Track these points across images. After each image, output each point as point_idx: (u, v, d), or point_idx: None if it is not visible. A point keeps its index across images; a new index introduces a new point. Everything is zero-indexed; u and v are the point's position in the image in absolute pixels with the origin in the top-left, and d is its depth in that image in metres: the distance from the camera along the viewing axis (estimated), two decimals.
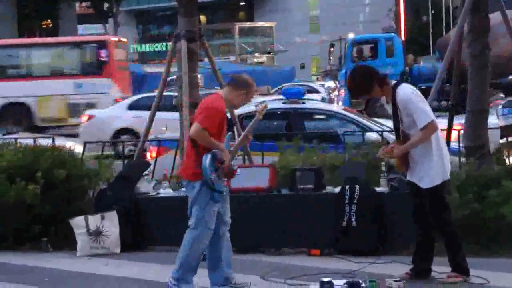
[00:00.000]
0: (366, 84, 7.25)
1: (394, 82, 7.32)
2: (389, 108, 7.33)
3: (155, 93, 22.04)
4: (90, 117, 20.60)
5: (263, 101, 7.43)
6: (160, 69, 27.80)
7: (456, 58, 9.95)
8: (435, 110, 7.64)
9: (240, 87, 7.12)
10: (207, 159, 6.89)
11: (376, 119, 13.39)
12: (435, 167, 7.15)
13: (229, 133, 7.25)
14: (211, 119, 6.90)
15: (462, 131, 9.93)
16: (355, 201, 8.56)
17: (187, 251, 7.02)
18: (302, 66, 56.89)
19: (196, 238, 7.00)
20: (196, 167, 6.94)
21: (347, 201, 8.58)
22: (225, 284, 7.22)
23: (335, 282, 7.24)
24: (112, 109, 21.41)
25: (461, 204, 8.33)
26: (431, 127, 7.10)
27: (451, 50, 10.06)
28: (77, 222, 9.04)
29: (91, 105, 24.16)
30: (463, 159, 9.57)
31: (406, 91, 7.18)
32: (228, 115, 10.83)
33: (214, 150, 6.93)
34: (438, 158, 7.17)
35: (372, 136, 11.02)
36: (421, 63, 34.72)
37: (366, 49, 33.61)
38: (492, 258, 8.18)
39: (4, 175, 9.30)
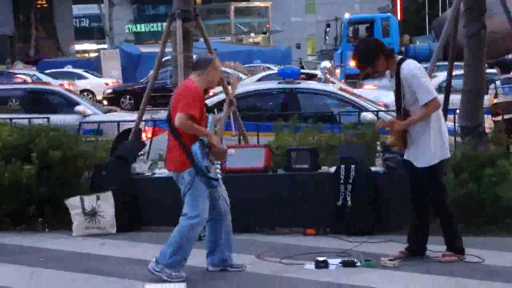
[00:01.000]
0: (371, 53, 7.18)
1: (400, 57, 7.28)
2: (392, 83, 7.30)
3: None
4: None
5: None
6: (156, 49, 27.68)
7: (452, 38, 9.94)
8: None
9: (202, 68, 7.03)
10: (196, 148, 6.82)
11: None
12: (432, 146, 7.14)
13: (210, 114, 7.18)
14: (193, 103, 6.83)
15: (457, 111, 9.94)
16: (350, 181, 8.56)
17: (182, 239, 6.96)
18: (298, 46, 56.78)
19: (192, 227, 6.97)
20: (183, 157, 6.88)
21: (342, 181, 8.58)
22: (221, 265, 7.26)
23: (330, 261, 7.29)
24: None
25: (456, 184, 8.35)
26: (433, 104, 7.07)
27: (446, 30, 10.05)
28: (73, 203, 9.05)
29: None
30: (458, 139, 9.58)
31: (411, 66, 7.14)
32: (223, 95, 10.84)
33: (200, 137, 6.86)
34: (437, 138, 7.15)
35: (368, 115, 11.03)
36: (417, 43, 34.72)
37: (362, 29, 33.59)
38: (487, 237, 8.21)
39: (0, 156, 9.28)
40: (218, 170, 7.07)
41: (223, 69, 13.69)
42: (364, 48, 7.29)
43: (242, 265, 7.33)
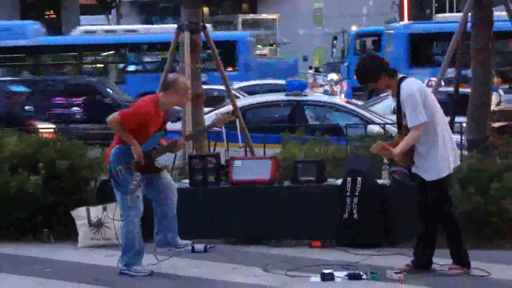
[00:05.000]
0: (374, 71, 7.19)
1: (400, 75, 7.28)
2: (394, 101, 7.32)
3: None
4: None
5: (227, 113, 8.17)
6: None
7: (459, 51, 9.96)
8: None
9: (166, 89, 7.58)
10: (115, 152, 7.42)
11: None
12: (440, 160, 7.13)
13: (161, 132, 7.66)
14: (132, 117, 7.38)
15: (464, 124, 9.93)
16: (356, 194, 8.55)
17: (124, 236, 7.61)
18: (305, 59, 56.74)
19: (126, 222, 7.57)
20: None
21: (348, 194, 8.57)
22: (165, 246, 7.90)
23: (336, 273, 7.28)
24: None
25: (463, 197, 8.33)
26: (419, 129, 7.05)
27: (454, 43, 10.06)
28: (79, 213, 9.04)
29: None
30: (465, 152, 9.57)
31: (410, 86, 7.12)
32: (230, 107, 10.85)
33: (126, 145, 7.39)
34: (444, 151, 7.14)
35: (375, 128, 11.03)
36: None
37: (369, 42, 33.59)
38: (493, 250, 8.18)
39: (7, 166, 9.30)
40: (135, 181, 7.47)
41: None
42: (365, 67, 7.29)
43: (187, 244, 7.97)
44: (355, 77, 7.47)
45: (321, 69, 53.10)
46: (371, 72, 7.22)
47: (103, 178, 9.52)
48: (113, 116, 7.38)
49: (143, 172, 7.52)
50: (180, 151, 9.45)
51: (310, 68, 45.24)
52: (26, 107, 19.39)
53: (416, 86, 7.14)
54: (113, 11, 60.17)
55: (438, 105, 7.28)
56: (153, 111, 7.47)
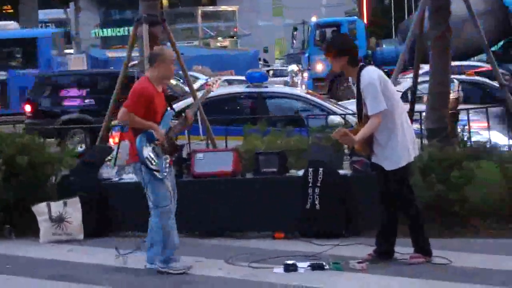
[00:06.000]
0: (341, 49, 7.23)
1: (361, 64, 7.31)
2: (355, 90, 7.34)
3: None
4: None
5: (219, 78, 7.86)
6: (123, 54, 27.57)
7: (418, 41, 10.03)
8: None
9: (153, 62, 7.39)
10: (139, 140, 7.19)
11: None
12: (400, 149, 7.17)
13: (171, 111, 7.47)
14: (136, 102, 7.21)
15: (424, 113, 10.01)
16: (318, 184, 8.57)
17: (160, 232, 7.27)
18: (266, 50, 56.86)
19: (160, 217, 7.27)
20: (133, 149, 7.27)
21: (310, 184, 8.59)
22: (152, 262, 7.42)
23: (299, 264, 7.31)
24: None
25: (424, 186, 8.39)
26: (378, 117, 7.09)
27: (412, 33, 10.13)
28: (39, 209, 8.97)
29: None
30: (425, 141, 9.65)
31: (370, 74, 7.16)
32: (190, 100, 10.83)
33: (148, 131, 7.20)
34: (403, 140, 7.19)
35: (335, 119, 11.08)
36: (383, 46, 34.86)
37: (329, 32, 33.71)
38: (454, 238, 8.26)
39: None
40: (165, 164, 7.26)
41: (191, 73, 13.65)
42: (337, 40, 7.47)
43: (189, 267, 7.40)
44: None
45: (282, 60, 53.16)
46: (341, 45, 7.27)
47: (64, 173, 9.46)
48: (121, 111, 7.21)
49: (169, 155, 7.34)
50: None
51: (259, 59, 45.44)
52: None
53: (376, 74, 7.18)
54: (72, 4, 59.62)
55: (398, 94, 7.32)
56: (150, 86, 7.27)
